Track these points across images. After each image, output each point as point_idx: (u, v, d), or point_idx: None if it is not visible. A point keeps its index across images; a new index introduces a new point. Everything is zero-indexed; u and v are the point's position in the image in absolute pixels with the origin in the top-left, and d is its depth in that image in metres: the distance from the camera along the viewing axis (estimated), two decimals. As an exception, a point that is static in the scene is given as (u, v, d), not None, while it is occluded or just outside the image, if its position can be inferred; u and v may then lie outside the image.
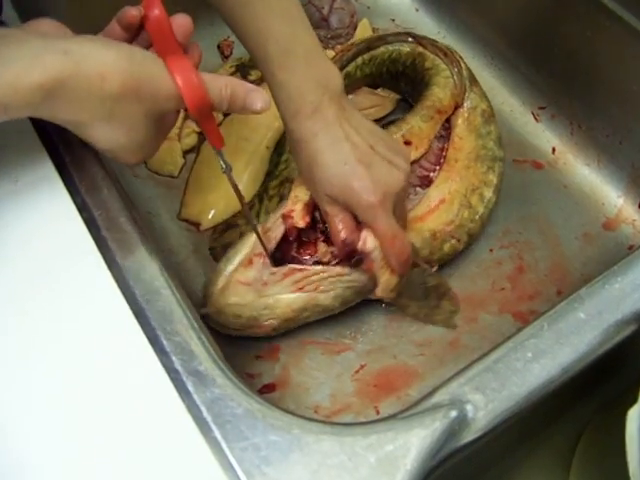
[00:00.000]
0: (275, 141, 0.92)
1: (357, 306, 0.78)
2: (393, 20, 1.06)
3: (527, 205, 0.89)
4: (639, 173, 0.86)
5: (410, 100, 0.94)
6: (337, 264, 0.73)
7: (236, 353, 0.76)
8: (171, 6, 0.60)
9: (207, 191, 0.87)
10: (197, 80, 0.59)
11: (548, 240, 0.86)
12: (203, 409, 0.52)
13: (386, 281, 0.74)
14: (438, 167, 0.84)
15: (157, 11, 0.59)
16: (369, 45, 0.93)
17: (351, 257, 0.73)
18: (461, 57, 0.90)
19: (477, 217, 0.82)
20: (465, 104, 0.87)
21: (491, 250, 0.85)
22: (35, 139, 0.65)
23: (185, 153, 0.92)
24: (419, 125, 0.84)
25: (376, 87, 0.98)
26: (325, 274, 0.72)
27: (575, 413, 0.72)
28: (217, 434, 0.51)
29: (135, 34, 0.63)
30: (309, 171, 0.70)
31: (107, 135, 0.59)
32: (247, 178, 0.88)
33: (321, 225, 0.76)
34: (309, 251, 0.75)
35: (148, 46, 0.63)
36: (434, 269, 0.80)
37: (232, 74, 0.98)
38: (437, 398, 0.53)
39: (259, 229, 0.74)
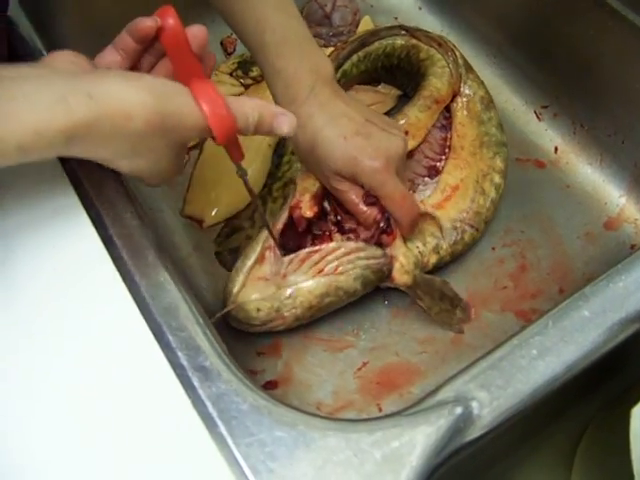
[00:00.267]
0: (275, 139, 0.92)
1: (360, 303, 0.78)
2: (396, 18, 1.06)
3: (529, 204, 0.89)
4: (642, 172, 0.86)
5: (409, 93, 0.94)
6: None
7: (238, 350, 0.75)
8: (172, 3, 0.60)
9: (210, 188, 0.87)
10: (225, 110, 0.57)
11: (550, 239, 0.86)
12: (209, 404, 0.52)
13: (402, 261, 0.75)
14: (444, 156, 0.84)
15: (172, 22, 0.57)
16: (363, 42, 0.93)
17: (377, 229, 0.74)
18: (455, 45, 0.91)
19: (491, 203, 0.84)
20: (463, 91, 0.88)
21: (493, 248, 0.85)
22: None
23: (189, 149, 0.91)
24: (416, 115, 0.84)
25: (374, 83, 0.98)
26: (341, 251, 0.73)
27: (577, 411, 0.72)
28: (223, 430, 0.51)
29: (147, 45, 0.62)
30: (311, 153, 0.72)
31: (130, 166, 0.59)
32: (250, 176, 0.87)
33: (332, 217, 0.77)
34: (323, 242, 0.75)
35: (160, 56, 0.62)
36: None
37: (234, 70, 0.98)
38: (442, 395, 0.53)
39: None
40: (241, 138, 0.62)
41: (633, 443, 0.56)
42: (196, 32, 0.59)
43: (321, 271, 0.72)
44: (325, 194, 0.77)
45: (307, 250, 0.73)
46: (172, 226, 0.84)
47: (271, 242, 0.73)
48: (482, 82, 0.90)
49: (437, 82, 0.87)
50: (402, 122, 0.83)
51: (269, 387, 0.74)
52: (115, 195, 0.62)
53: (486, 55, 0.98)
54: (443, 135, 0.86)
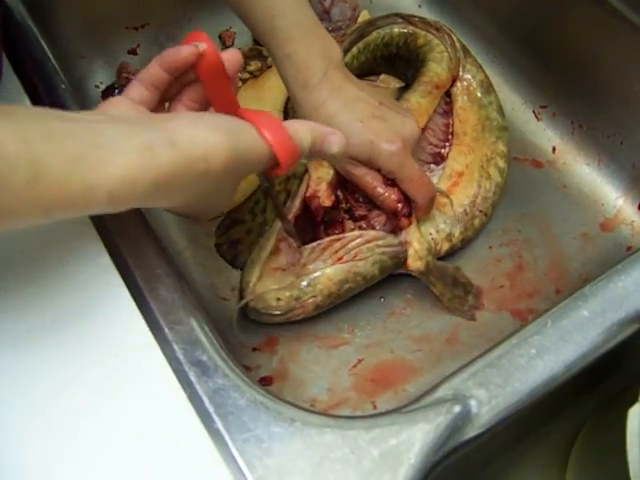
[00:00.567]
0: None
1: (356, 300, 0.78)
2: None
3: (526, 203, 0.88)
4: (639, 174, 0.86)
5: (410, 83, 0.93)
6: None
7: (233, 345, 0.75)
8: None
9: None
10: (290, 139, 0.57)
11: (547, 239, 0.86)
12: (205, 399, 0.52)
13: (415, 247, 0.76)
14: (447, 143, 0.85)
15: (208, 48, 0.55)
16: (361, 33, 0.92)
17: (396, 212, 0.75)
18: (451, 30, 0.91)
19: (497, 187, 0.85)
20: (462, 75, 0.88)
21: (490, 247, 0.85)
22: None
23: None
24: (417, 101, 0.83)
25: (374, 76, 0.97)
26: (362, 239, 0.73)
27: (574, 411, 0.72)
28: (219, 425, 0.51)
29: (180, 75, 0.59)
30: None
31: (194, 207, 0.58)
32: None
33: (344, 205, 0.78)
34: (337, 231, 0.76)
35: (186, 83, 0.60)
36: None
37: (231, 64, 0.98)
38: (441, 393, 0.53)
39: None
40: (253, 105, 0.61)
41: (629, 443, 0.55)
42: (231, 57, 0.58)
43: (340, 259, 0.73)
44: (339, 182, 0.77)
45: (329, 238, 0.73)
46: (168, 219, 0.84)
47: (284, 233, 0.73)
48: (480, 66, 0.90)
49: (437, 67, 0.87)
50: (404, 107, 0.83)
51: (264, 383, 0.74)
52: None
53: (485, 54, 0.98)
54: (445, 121, 0.86)
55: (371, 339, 0.77)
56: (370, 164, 0.73)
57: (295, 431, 0.51)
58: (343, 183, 0.77)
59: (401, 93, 0.92)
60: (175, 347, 0.54)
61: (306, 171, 0.78)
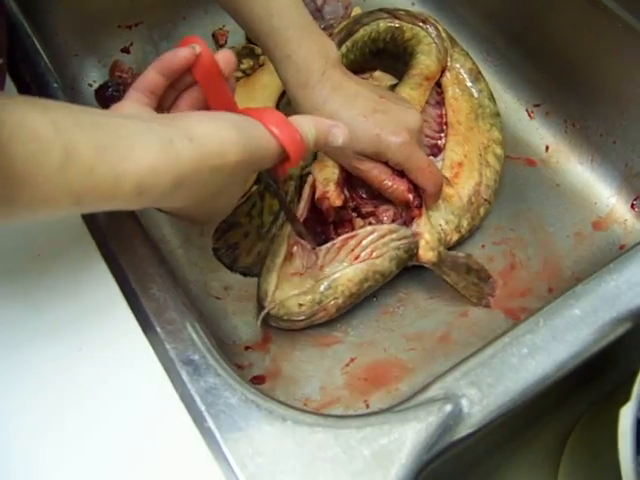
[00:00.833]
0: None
1: (349, 299, 0.77)
2: (389, 13, 1.05)
3: (519, 202, 0.88)
4: (632, 173, 0.86)
5: (400, 77, 0.93)
6: None
7: (226, 343, 0.75)
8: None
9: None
10: (297, 133, 0.58)
11: (540, 238, 0.86)
12: (197, 398, 0.52)
13: (426, 238, 0.76)
14: (443, 134, 0.85)
15: (204, 50, 0.56)
16: (349, 31, 0.92)
17: (409, 204, 0.75)
18: (436, 20, 0.91)
19: (496, 174, 0.85)
20: (450, 65, 0.88)
21: (483, 246, 0.85)
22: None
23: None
24: (409, 93, 0.84)
25: (364, 74, 0.97)
26: (376, 234, 0.73)
27: (564, 410, 0.72)
28: (211, 424, 0.51)
29: (176, 80, 0.60)
30: None
31: (204, 208, 0.59)
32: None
33: (351, 203, 0.78)
34: (347, 230, 0.76)
35: (186, 88, 0.60)
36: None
37: (224, 63, 0.98)
38: (432, 392, 0.53)
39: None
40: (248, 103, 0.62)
41: (621, 442, 0.55)
42: (226, 58, 0.59)
43: (357, 257, 0.73)
44: (345, 181, 0.78)
45: (343, 237, 0.73)
46: (161, 219, 0.83)
47: (295, 237, 0.73)
48: (467, 54, 0.91)
49: (426, 59, 0.87)
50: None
51: (256, 382, 0.73)
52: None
53: (479, 52, 0.98)
54: (438, 112, 0.86)
55: (364, 338, 0.77)
56: (377, 158, 0.73)
57: (286, 430, 0.51)
58: (347, 181, 0.78)
59: (393, 89, 0.92)
60: (167, 346, 0.54)
61: (306, 174, 0.79)
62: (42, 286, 0.57)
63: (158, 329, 0.55)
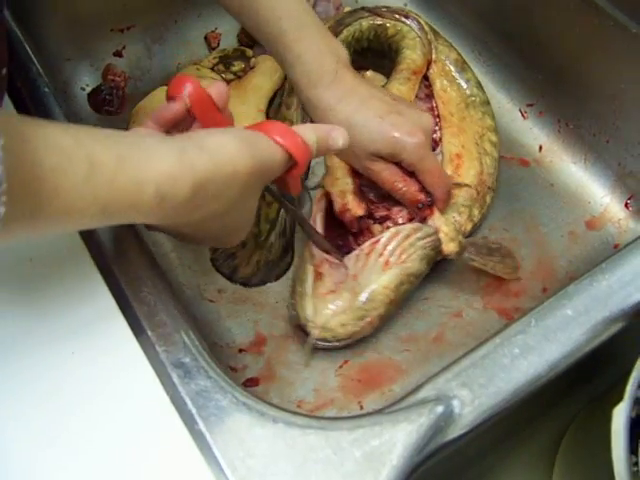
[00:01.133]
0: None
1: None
2: (382, 14, 1.05)
3: (513, 202, 0.88)
4: (625, 172, 0.86)
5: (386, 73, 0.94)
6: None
7: (219, 346, 0.75)
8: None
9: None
10: (299, 138, 0.58)
11: (534, 238, 0.85)
12: (188, 401, 0.52)
13: (445, 230, 0.76)
14: (437, 127, 0.85)
15: (195, 90, 0.57)
16: (333, 32, 0.91)
17: (422, 203, 0.75)
18: (417, 14, 0.91)
19: (495, 162, 0.86)
20: (436, 57, 0.88)
21: (478, 247, 0.85)
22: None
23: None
24: (397, 88, 0.84)
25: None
26: (401, 235, 0.73)
27: (558, 411, 0.72)
28: (201, 426, 0.51)
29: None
30: None
31: (222, 227, 0.59)
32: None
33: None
34: (367, 238, 0.76)
35: (188, 127, 0.60)
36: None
37: (215, 65, 0.97)
38: (424, 393, 0.53)
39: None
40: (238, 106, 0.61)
41: (614, 442, 0.55)
42: (218, 91, 0.59)
43: (387, 263, 0.72)
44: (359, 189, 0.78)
45: (369, 242, 0.73)
46: (154, 221, 0.83)
47: (319, 256, 0.73)
48: (452, 44, 0.91)
49: (411, 53, 0.87)
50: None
51: (250, 384, 0.73)
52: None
53: (471, 51, 0.98)
54: (429, 105, 0.86)
55: (358, 339, 0.77)
56: (391, 158, 0.73)
57: (278, 432, 0.51)
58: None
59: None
60: (158, 349, 0.54)
61: (312, 188, 0.80)
62: (34, 290, 0.57)
63: (149, 332, 0.55)
